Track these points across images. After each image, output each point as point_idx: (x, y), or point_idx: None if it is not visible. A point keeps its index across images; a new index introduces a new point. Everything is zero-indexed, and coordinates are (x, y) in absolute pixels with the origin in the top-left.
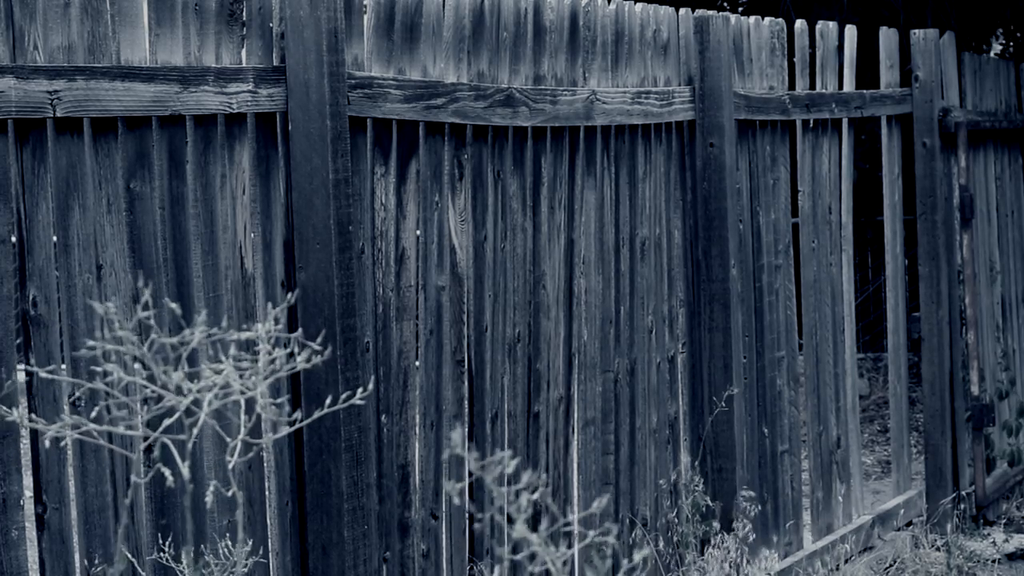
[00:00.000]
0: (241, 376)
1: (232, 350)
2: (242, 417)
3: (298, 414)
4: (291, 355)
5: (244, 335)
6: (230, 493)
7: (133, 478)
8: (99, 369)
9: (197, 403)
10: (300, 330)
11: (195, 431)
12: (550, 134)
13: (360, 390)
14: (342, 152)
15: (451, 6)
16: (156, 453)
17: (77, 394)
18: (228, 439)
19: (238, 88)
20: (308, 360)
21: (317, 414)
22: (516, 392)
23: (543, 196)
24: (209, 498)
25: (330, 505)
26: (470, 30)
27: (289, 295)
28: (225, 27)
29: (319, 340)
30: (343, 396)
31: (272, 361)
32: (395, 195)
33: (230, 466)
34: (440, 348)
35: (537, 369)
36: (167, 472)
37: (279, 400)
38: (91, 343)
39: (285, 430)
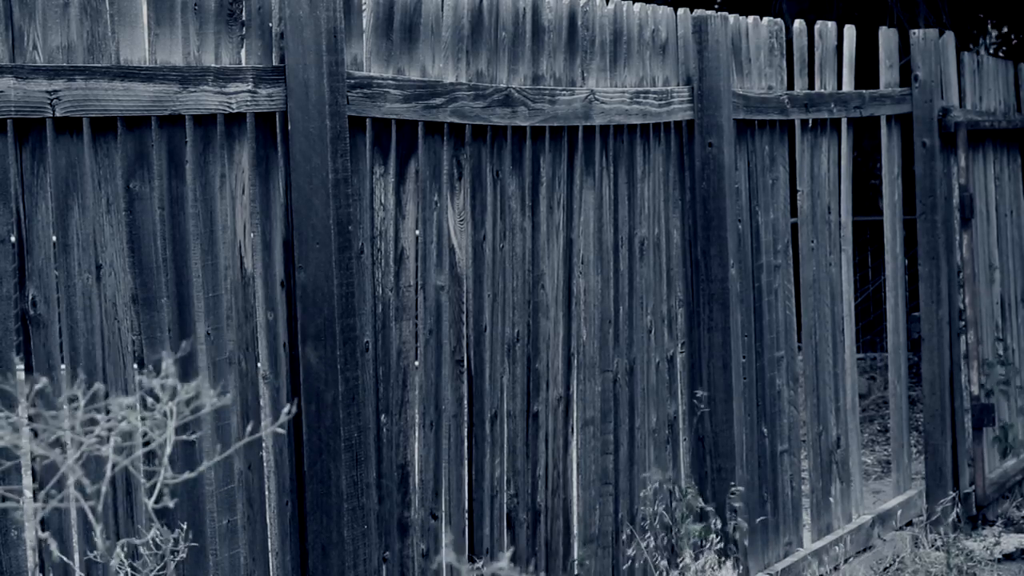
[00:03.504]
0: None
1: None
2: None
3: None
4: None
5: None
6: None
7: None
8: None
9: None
10: (201, 378)
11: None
12: (549, 134)
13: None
14: (341, 152)
15: (450, 6)
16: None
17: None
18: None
19: (237, 88)
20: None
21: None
22: (515, 392)
23: (542, 196)
24: (212, 501)
25: (330, 505)
26: (469, 30)
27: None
28: (224, 27)
29: (318, 340)
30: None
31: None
32: (394, 195)
33: (148, 506)
34: (439, 348)
35: (536, 369)
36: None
37: (192, 437)
38: None
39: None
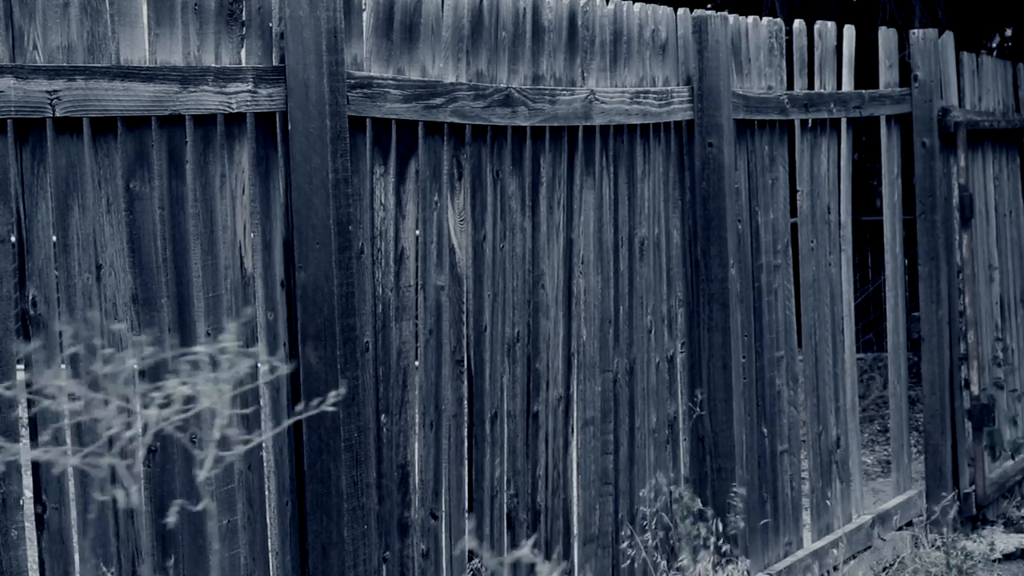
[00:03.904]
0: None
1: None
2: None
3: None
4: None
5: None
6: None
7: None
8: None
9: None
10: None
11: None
12: (549, 134)
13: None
14: (341, 152)
15: (450, 6)
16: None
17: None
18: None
19: (237, 88)
20: (272, 372)
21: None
22: (515, 392)
23: (542, 196)
24: (213, 502)
25: (330, 505)
26: (469, 30)
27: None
28: (224, 27)
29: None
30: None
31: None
32: (394, 195)
33: (199, 479)
34: (439, 348)
35: (536, 369)
36: None
37: (247, 411)
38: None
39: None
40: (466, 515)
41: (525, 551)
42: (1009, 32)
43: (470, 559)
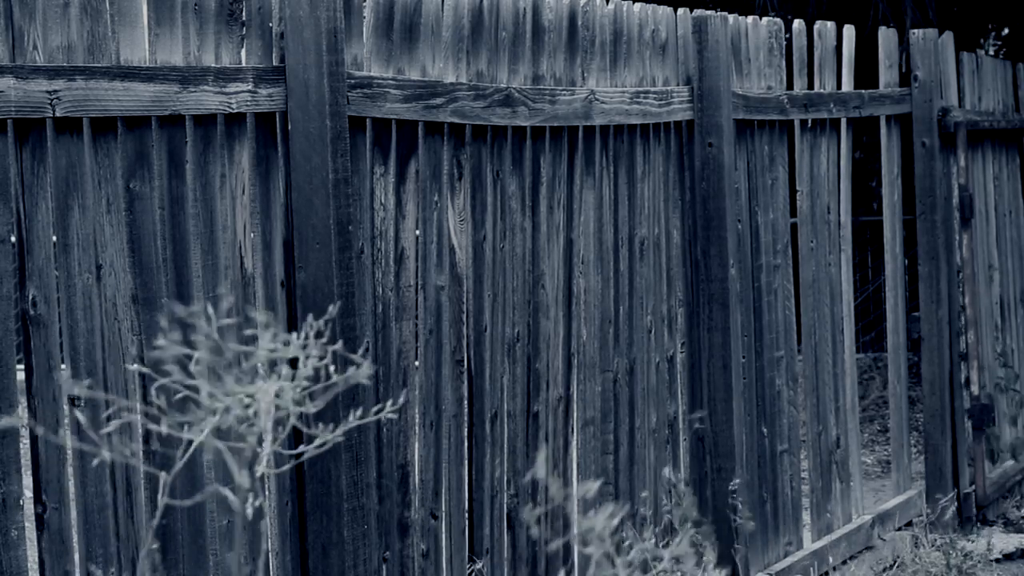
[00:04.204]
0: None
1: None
2: (267, 434)
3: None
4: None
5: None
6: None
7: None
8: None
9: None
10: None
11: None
12: (549, 134)
13: (390, 403)
14: (342, 152)
15: (450, 6)
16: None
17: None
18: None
19: (238, 88)
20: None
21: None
22: (515, 392)
23: (542, 196)
24: (213, 501)
25: (330, 505)
26: (469, 30)
27: (331, 307)
28: (225, 27)
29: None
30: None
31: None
32: (394, 195)
33: (258, 474)
34: (439, 348)
35: (536, 369)
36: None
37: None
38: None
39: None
40: (466, 515)
41: (594, 487)
42: (1006, 32)
43: (471, 560)
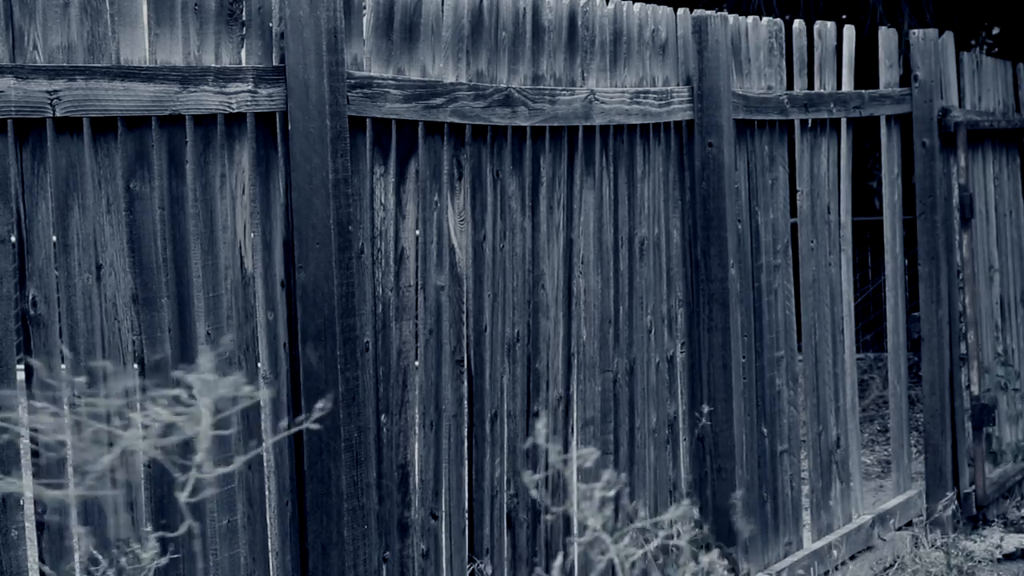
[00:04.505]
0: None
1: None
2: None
3: (301, 416)
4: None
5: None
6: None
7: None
8: None
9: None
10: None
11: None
12: (549, 134)
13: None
14: (342, 152)
15: (450, 6)
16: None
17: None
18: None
19: (238, 88)
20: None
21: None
22: (515, 392)
23: (542, 196)
24: (213, 503)
25: (330, 505)
26: (469, 30)
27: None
28: (225, 27)
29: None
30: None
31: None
32: (394, 195)
33: (181, 500)
34: (439, 348)
35: (536, 369)
36: None
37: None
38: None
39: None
40: (466, 515)
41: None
42: (997, 31)
43: (471, 560)
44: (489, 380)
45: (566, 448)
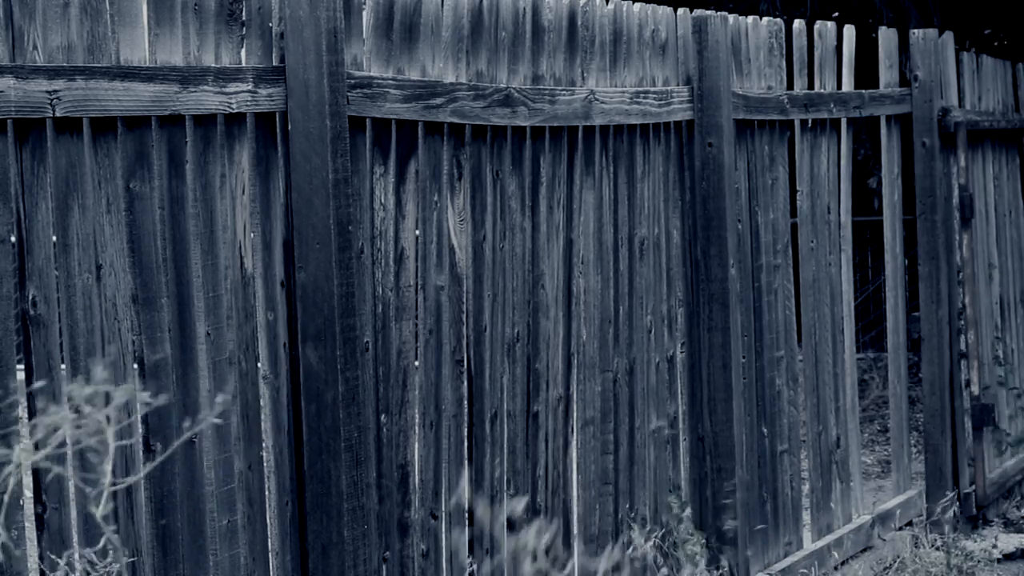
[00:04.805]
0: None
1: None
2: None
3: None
4: None
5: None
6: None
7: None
8: None
9: None
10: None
11: None
12: (549, 134)
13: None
14: (341, 152)
15: (450, 6)
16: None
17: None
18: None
19: (237, 88)
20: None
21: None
22: (515, 392)
23: (542, 196)
24: (213, 501)
25: (330, 505)
26: (469, 30)
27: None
28: (224, 27)
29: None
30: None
31: None
32: (394, 195)
33: (98, 516)
34: (439, 348)
35: (536, 369)
36: None
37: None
38: None
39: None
40: (466, 515)
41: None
42: (988, 32)
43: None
44: (489, 380)
45: (566, 448)
